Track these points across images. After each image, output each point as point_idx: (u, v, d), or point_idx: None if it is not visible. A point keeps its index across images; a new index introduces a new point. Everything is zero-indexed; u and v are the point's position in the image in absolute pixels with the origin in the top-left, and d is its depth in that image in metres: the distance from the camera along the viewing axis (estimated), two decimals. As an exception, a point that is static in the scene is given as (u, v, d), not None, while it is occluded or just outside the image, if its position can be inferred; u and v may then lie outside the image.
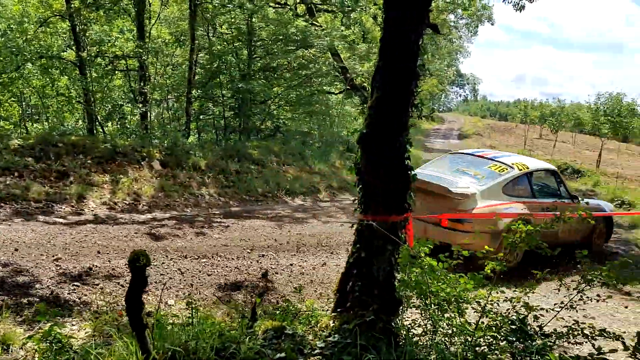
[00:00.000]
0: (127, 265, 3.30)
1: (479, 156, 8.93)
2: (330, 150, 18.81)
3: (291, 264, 7.48)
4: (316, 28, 18.01)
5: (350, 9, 19.40)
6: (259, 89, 17.14)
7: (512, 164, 8.36)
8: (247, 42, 17.27)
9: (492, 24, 32.00)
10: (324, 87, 20.11)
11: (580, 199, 8.71)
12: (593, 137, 55.95)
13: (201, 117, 18.51)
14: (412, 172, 3.86)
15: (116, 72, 17.10)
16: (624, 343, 3.46)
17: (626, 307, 6.84)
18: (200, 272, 6.76)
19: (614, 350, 3.52)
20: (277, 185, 13.43)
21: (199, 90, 17.38)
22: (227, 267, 7.08)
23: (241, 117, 17.79)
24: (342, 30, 19.67)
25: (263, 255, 7.77)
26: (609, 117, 29.66)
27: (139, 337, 3.09)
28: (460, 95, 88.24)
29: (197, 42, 15.69)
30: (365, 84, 22.26)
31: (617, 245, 10.97)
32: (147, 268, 3.01)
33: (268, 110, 18.51)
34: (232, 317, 5.17)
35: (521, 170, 8.22)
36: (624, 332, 5.26)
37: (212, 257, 7.46)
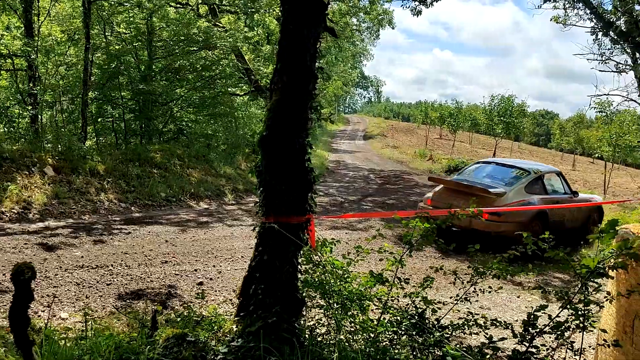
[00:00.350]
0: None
1: (502, 164, 11.07)
2: (236, 153, 18.62)
3: (196, 270, 7.31)
4: (219, 29, 17.75)
5: (253, 10, 19.29)
6: (161, 90, 16.63)
7: (529, 168, 10.37)
8: (147, 42, 16.69)
9: (393, 28, 32.98)
10: (229, 89, 19.86)
11: (578, 193, 10.98)
12: (488, 137, 59.15)
13: (99, 119, 17.69)
14: (314, 173, 3.88)
15: (1, 72, 15.99)
16: (513, 331, 3.67)
17: (518, 297, 7.28)
18: (98, 282, 6.44)
19: (504, 339, 3.72)
20: (181, 190, 13.11)
21: (96, 92, 16.58)
22: (128, 275, 6.79)
23: (142, 120, 17.18)
24: (245, 32, 19.54)
25: (166, 262, 7.55)
26: (502, 118, 31.44)
27: (26, 356, 2.89)
28: (364, 97, 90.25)
29: (92, 41, 14.92)
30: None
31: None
32: (36, 281, 2.83)
33: (171, 113, 18.01)
34: (133, 327, 4.97)
35: (536, 173, 10.22)
36: (516, 321, 5.60)
37: (112, 265, 7.14)
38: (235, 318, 3.79)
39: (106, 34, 16.65)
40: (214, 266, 7.61)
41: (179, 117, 18.81)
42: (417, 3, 13.39)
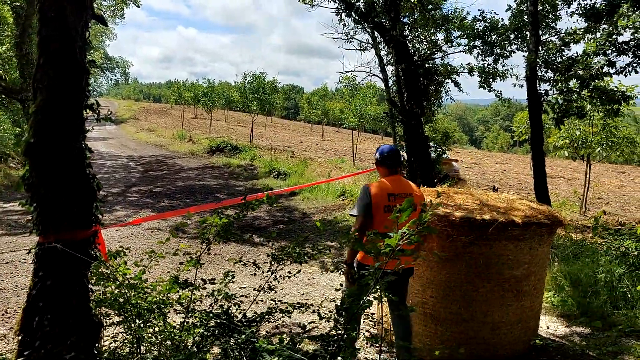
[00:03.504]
0: None
1: None
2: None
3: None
4: None
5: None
6: None
7: None
8: None
9: (139, 7, 31.34)
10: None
11: None
12: (243, 114, 60.53)
13: None
14: (96, 181, 3.45)
15: None
16: (319, 314, 3.75)
17: (299, 271, 7.60)
18: None
19: (314, 324, 3.80)
20: None
21: None
22: None
23: None
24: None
25: None
26: (256, 95, 32.31)
27: None
28: (110, 80, 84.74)
29: None
30: (1, 72, 19.51)
31: (282, 214, 12.11)
32: None
33: None
34: None
35: None
36: (324, 300, 5.80)
37: None
38: (19, 359, 3.21)
39: None
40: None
41: None
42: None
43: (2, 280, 6.85)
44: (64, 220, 3.25)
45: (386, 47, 12.24)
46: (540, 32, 11.38)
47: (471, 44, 12.65)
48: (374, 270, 2.87)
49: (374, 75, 13.08)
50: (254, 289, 4.18)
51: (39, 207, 3.23)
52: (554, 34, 11.93)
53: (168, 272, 6.83)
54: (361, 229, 4.23)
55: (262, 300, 4.51)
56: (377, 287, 2.86)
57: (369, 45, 12.76)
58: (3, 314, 5.74)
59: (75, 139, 3.27)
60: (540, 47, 11.30)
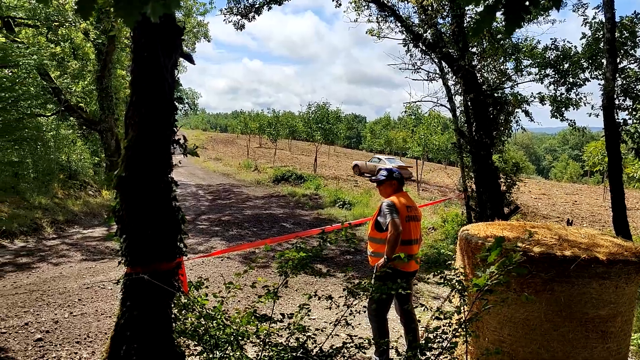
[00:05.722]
0: None
1: None
2: (50, 180, 16.89)
3: (26, 324, 6.38)
4: (19, 45, 15.94)
5: (57, 23, 17.66)
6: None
7: None
8: None
9: (209, 41, 32.54)
10: (35, 110, 17.95)
11: None
12: (306, 143, 61.26)
13: None
14: (181, 213, 3.56)
15: None
16: (397, 350, 3.70)
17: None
18: None
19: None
20: (-10, 228, 11.50)
21: None
22: (-60, 343, 5.72)
23: None
24: (52, 48, 17.84)
25: (-13, 319, 6.51)
26: (320, 125, 32.68)
27: None
28: (180, 110, 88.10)
29: None
30: (82, 105, 20.60)
31: (349, 244, 12.05)
32: None
33: (-36, 141, 15.75)
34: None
35: None
36: (397, 340, 5.71)
37: None
38: (107, 386, 3.32)
39: None
40: (47, 315, 6.74)
41: (-24, 146, 16.52)
42: (239, 17, 13.30)
43: (84, 305, 7.13)
44: (150, 252, 3.37)
45: (454, 77, 12.15)
46: (618, 60, 11.01)
47: (542, 73, 12.38)
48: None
49: (441, 105, 12.98)
50: (329, 323, 4.16)
51: (128, 239, 3.36)
52: (632, 61, 11.52)
53: (238, 301, 6.91)
54: (398, 227, 5.01)
55: (336, 334, 4.48)
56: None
57: (436, 75, 12.70)
58: (85, 338, 5.96)
59: (164, 173, 3.40)
60: (617, 75, 10.92)
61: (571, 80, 12.11)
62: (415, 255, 5.14)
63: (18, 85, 15.72)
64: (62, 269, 9.12)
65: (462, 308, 3.21)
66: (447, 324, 3.48)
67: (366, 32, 13.25)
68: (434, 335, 3.18)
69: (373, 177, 5.75)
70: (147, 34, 3.25)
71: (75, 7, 1.58)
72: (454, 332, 3.33)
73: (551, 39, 12.26)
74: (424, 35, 11.93)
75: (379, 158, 35.73)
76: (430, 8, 11.84)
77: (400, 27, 12.29)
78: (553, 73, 12.23)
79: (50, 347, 5.71)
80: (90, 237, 12.26)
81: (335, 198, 19.00)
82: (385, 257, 5.12)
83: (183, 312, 3.70)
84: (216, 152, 49.20)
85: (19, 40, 16.85)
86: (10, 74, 16.36)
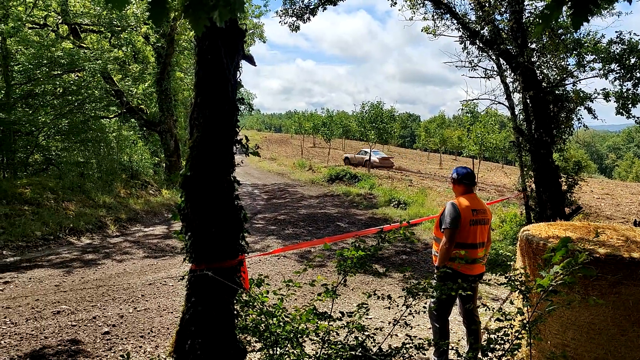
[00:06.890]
0: None
1: None
2: (113, 180, 17.52)
3: (94, 317, 6.66)
4: (85, 50, 16.62)
5: (119, 28, 18.30)
6: (23, 118, 15.21)
7: None
8: (2, 67, 15.21)
9: (265, 42, 32.94)
10: (98, 112, 18.68)
11: None
12: (360, 142, 61.16)
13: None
14: (243, 212, 3.65)
15: None
16: (457, 352, 3.68)
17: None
18: (-18, 347, 5.66)
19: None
20: (59, 226, 12.04)
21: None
22: (16, 335, 6.01)
23: (3, 153, 15.62)
24: (115, 52, 18.50)
25: (58, 312, 6.81)
26: (374, 124, 32.57)
27: None
28: (242, 111, 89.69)
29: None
30: (142, 106, 21.26)
31: (404, 244, 11.99)
32: None
33: (36, 142, 16.56)
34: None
35: None
36: (459, 342, 5.66)
37: (-5, 324, 6.33)
38: (173, 379, 3.43)
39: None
40: (113, 310, 7.01)
41: (46, 147, 17.34)
42: (294, 19, 13.43)
43: (147, 301, 7.38)
44: (214, 249, 3.46)
45: (512, 74, 11.87)
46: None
47: (607, 68, 11.93)
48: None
49: (499, 103, 12.69)
50: (387, 323, 4.15)
51: (192, 237, 3.47)
52: None
53: (296, 299, 7.00)
54: (452, 239, 4.89)
55: (395, 335, 4.48)
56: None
57: (494, 72, 12.44)
58: (149, 333, 6.17)
59: (227, 172, 3.49)
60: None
61: (638, 75, 11.61)
62: (478, 259, 5.06)
63: (84, 89, 16.39)
64: (125, 266, 9.46)
65: (525, 309, 3.15)
66: (509, 326, 3.43)
67: (421, 30, 13.12)
68: (496, 336, 3.15)
69: (449, 176, 5.67)
70: (211, 38, 3.35)
71: (148, 14, 1.66)
72: (516, 334, 3.27)
73: (616, 32, 11.77)
74: (481, 32, 11.71)
75: (365, 151, 38.97)
76: (487, 4, 11.61)
77: (456, 24, 12.11)
78: (618, 68, 11.75)
79: (116, 340, 5.94)
80: (152, 235, 12.66)
81: (389, 197, 18.91)
82: (435, 266, 5.14)
83: (245, 308, 3.78)
84: (271, 152, 49.79)
85: (84, 45, 17.55)
86: (76, 78, 17.10)
